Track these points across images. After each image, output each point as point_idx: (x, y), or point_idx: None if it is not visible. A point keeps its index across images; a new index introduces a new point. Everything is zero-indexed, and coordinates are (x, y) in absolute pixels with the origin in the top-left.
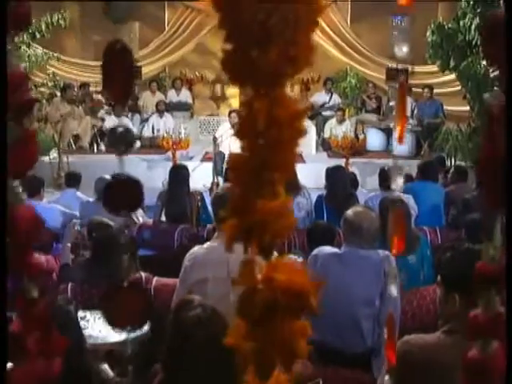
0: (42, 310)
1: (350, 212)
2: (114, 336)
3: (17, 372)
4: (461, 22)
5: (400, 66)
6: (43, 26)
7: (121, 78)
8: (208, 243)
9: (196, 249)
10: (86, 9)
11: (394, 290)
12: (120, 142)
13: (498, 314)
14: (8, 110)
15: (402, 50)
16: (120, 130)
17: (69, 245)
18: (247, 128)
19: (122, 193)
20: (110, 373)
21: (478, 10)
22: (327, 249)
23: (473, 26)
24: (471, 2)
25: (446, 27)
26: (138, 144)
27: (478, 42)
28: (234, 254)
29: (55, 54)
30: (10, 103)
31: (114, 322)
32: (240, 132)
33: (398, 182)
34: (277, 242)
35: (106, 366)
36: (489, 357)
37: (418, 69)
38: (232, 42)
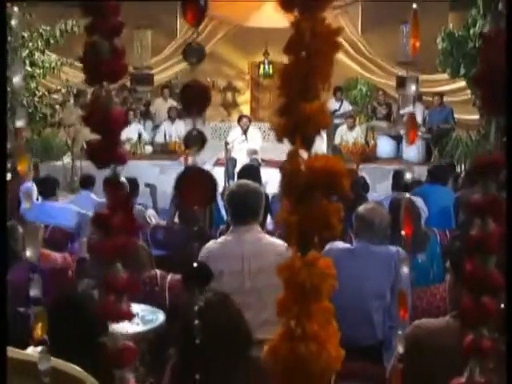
0: (125, 194)
1: (361, 208)
2: (130, 327)
3: (104, 244)
4: (471, 30)
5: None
6: (57, 33)
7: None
8: (223, 237)
9: (211, 243)
10: None
11: (405, 270)
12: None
13: (494, 196)
14: (101, 32)
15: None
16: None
17: (85, 239)
18: (295, 43)
19: (194, 95)
20: None
21: (488, 18)
22: (340, 244)
23: None
24: (481, 10)
25: (456, 35)
26: (150, 149)
27: None
28: (247, 247)
29: (68, 60)
30: (105, 25)
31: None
32: (288, 47)
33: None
34: (316, 136)
35: None
36: (488, 234)
37: (428, 77)
38: None
